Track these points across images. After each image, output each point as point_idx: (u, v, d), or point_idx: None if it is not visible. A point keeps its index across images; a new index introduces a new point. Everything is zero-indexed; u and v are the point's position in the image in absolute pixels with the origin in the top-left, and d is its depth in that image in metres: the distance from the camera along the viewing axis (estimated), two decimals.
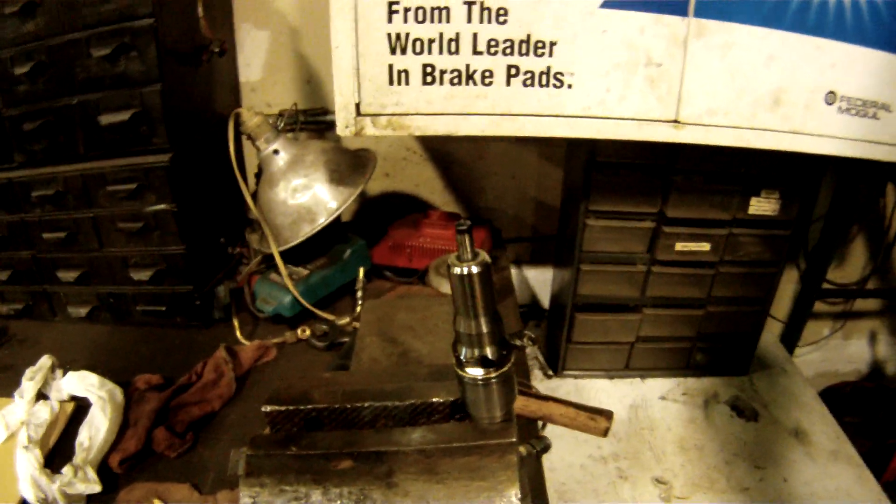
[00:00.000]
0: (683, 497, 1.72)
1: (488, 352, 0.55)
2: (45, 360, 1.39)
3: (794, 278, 2.37)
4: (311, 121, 1.90)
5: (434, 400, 0.70)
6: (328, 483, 0.43)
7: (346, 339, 1.47)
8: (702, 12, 1.22)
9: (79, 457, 1.19)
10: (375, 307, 1.18)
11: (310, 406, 0.74)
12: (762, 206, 1.80)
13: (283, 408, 0.74)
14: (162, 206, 1.47)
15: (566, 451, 1.83)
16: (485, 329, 0.55)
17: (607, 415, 1.24)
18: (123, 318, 1.66)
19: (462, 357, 0.58)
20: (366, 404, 0.73)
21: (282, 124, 1.61)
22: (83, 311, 1.66)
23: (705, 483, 1.75)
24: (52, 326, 1.71)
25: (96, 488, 1.14)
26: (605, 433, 1.24)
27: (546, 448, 0.72)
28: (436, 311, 1.08)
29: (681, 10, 1.21)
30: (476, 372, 0.57)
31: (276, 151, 1.52)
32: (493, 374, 0.56)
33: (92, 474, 1.16)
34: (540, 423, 1.30)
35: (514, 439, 0.49)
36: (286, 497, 0.44)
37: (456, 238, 0.53)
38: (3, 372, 1.52)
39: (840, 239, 2.24)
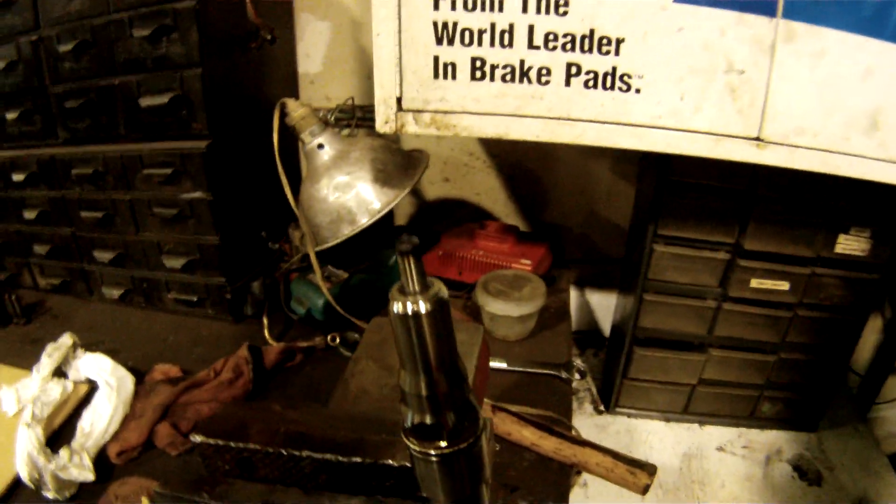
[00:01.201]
0: None
1: (441, 419, 0.43)
2: (66, 339, 1.37)
3: (877, 327, 2.11)
4: (368, 117, 1.82)
5: (387, 462, 0.58)
6: None
7: None
8: (792, 13, 1.05)
9: (77, 441, 1.16)
10: (383, 325, 1.06)
11: (241, 444, 0.64)
12: (850, 244, 1.60)
13: (212, 441, 0.64)
14: (197, 194, 1.43)
15: (605, 498, 1.68)
16: (436, 389, 0.42)
17: (650, 469, 1.10)
18: (155, 304, 1.64)
19: (407, 422, 0.46)
20: (304, 453, 0.61)
21: (332, 118, 1.53)
22: (116, 293, 1.64)
23: None
24: (87, 305, 1.71)
25: (89, 476, 1.11)
26: (644, 491, 1.10)
27: None
28: (463, 342, 0.95)
29: (768, 10, 1.05)
30: (422, 444, 0.45)
31: (320, 146, 1.44)
32: (445, 450, 0.43)
33: (87, 461, 1.12)
34: (574, 470, 1.18)
35: None
36: None
37: (398, 263, 0.41)
38: (32, 344, 1.52)
39: None
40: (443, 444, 0.43)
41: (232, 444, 0.66)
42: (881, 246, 1.60)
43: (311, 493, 0.61)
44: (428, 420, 0.44)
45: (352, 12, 1.81)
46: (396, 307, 0.41)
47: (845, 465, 1.84)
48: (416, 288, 0.41)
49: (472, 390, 0.48)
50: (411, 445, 0.47)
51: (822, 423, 1.96)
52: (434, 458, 0.45)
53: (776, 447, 1.89)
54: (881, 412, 2.22)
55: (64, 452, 1.11)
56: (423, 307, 0.41)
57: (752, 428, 1.93)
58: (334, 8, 1.81)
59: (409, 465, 0.56)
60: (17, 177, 1.58)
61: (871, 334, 2.13)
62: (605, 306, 2.23)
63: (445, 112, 1.19)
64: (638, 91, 1.13)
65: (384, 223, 1.44)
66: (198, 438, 0.66)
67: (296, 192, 1.45)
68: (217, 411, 0.72)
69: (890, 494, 1.76)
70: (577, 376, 1.34)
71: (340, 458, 0.60)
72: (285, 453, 0.63)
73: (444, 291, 0.42)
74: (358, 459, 0.60)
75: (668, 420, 1.95)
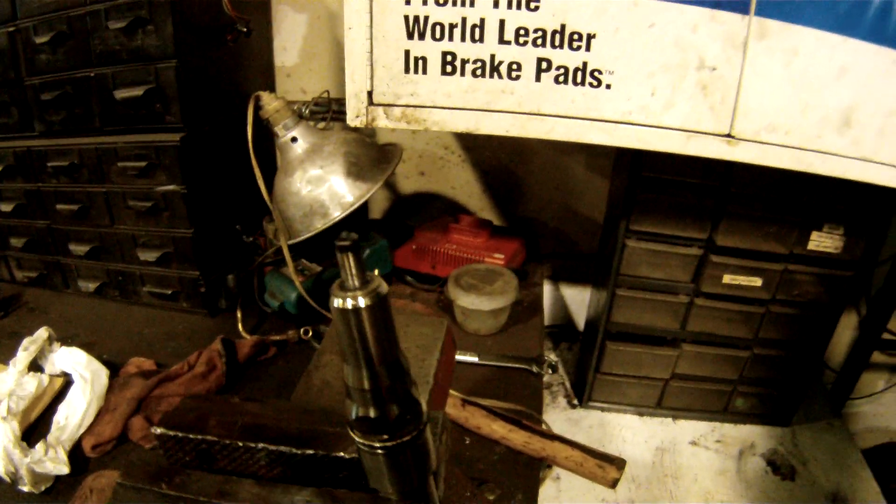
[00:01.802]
0: None
1: (383, 413, 0.43)
2: (42, 332, 1.37)
3: (852, 324, 2.13)
4: (343, 110, 1.82)
5: (339, 454, 0.59)
6: None
7: None
8: (765, 11, 1.05)
9: (53, 435, 1.16)
10: None
11: (199, 436, 0.64)
12: (824, 241, 1.61)
13: (171, 433, 0.65)
14: (172, 187, 1.43)
15: (576, 492, 1.68)
16: (378, 383, 0.43)
17: (618, 464, 1.11)
18: (130, 297, 1.63)
19: (352, 416, 0.46)
20: (259, 445, 0.62)
21: (307, 111, 1.53)
22: (92, 287, 1.64)
23: None
24: (63, 298, 1.70)
25: (64, 470, 1.11)
26: (613, 484, 1.12)
27: None
28: (426, 335, 0.94)
29: (741, 7, 1.05)
30: (366, 437, 0.45)
31: (294, 139, 1.44)
32: (389, 443, 0.44)
33: (63, 455, 1.12)
34: (545, 464, 1.19)
35: None
36: None
37: (338, 259, 0.42)
38: (9, 339, 1.51)
39: None
40: (386, 436, 0.44)
41: (191, 435, 0.66)
42: (855, 243, 1.61)
43: (264, 485, 0.62)
44: (371, 413, 0.45)
45: (329, 5, 1.80)
46: (337, 302, 0.41)
47: (819, 459, 1.85)
48: (356, 283, 0.42)
49: (416, 383, 0.49)
50: (356, 438, 0.47)
51: (795, 419, 1.96)
52: (379, 451, 0.46)
53: (749, 442, 1.89)
54: (855, 408, 2.25)
55: (40, 446, 1.11)
56: (362, 302, 0.41)
57: (726, 423, 1.94)
58: (311, 0, 1.80)
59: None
60: None
61: (846, 330, 2.15)
62: (579, 300, 2.24)
63: (416, 106, 1.19)
64: (609, 87, 1.14)
65: (358, 217, 1.44)
66: (158, 430, 0.67)
67: (270, 185, 1.45)
68: (179, 404, 0.72)
69: (863, 489, 1.78)
70: (548, 370, 1.35)
71: (294, 450, 0.61)
72: (241, 445, 0.63)
73: (384, 287, 0.43)
74: (311, 451, 0.60)
75: (641, 414, 1.96)
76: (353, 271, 0.42)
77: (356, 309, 0.42)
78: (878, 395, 2.25)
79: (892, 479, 1.87)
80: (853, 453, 1.90)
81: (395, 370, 0.45)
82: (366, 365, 0.43)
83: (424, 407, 0.50)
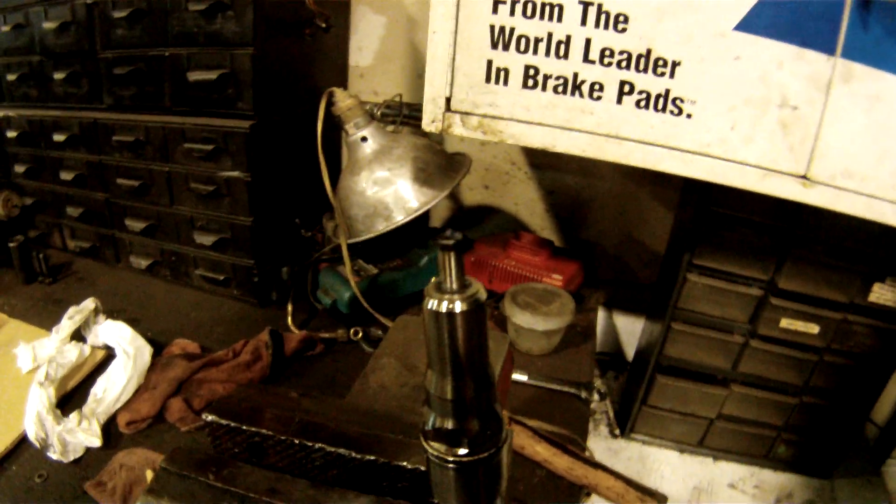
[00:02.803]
0: None
1: (464, 425, 0.41)
2: (89, 303, 1.38)
3: None
4: (414, 115, 1.82)
5: (401, 464, 0.56)
6: None
7: None
8: (852, 53, 1.01)
9: (88, 407, 1.17)
10: (408, 324, 1.04)
11: (254, 429, 0.62)
12: (885, 294, 1.55)
13: (224, 421, 0.63)
14: (236, 174, 1.43)
15: None
16: (463, 394, 0.41)
17: (660, 498, 1.08)
18: (181, 278, 1.64)
19: (428, 425, 0.44)
20: (316, 445, 0.60)
21: (378, 112, 1.52)
22: (144, 263, 1.65)
23: None
24: (114, 272, 1.72)
25: (96, 442, 1.11)
26: None
27: None
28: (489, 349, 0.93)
29: (828, 48, 1.01)
30: (441, 449, 0.43)
31: (364, 139, 1.43)
32: (465, 458, 0.41)
33: (96, 427, 1.13)
34: (584, 492, 1.16)
35: None
36: None
37: (438, 258, 0.39)
38: (54, 305, 1.53)
39: None
40: (463, 451, 0.42)
41: (244, 427, 0.64)
42: None
43: (319, 487, 0.60)
44: (450, 425, 0.42)
45: (408, 9, 1.80)
46: (432, 304, 0.39)
47: None
48: (455, 286, 0.40)
49: (499, 399, 0.46)
50: (430, 449, 0.45)
51: (835, 472, 1.90)
52: (452, 466, 0.44)
53: (787, 490, 1.84)
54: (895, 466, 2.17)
55: (74, 416, 1.12)
56: (458, 307, 0.39)
57: (766, 468, 1.88)
58: (391, 3, 1.80)
59: (423, 469, 0.54)
60: (58, 137, 1.60)
61: (894, 386, 2.08)
62: (630, 331, 2.19)
63: (494, 117, 1.17)
64: (689, 116, 1.10)
65: (419, 223, 1.43)
66: (209, 417, 0.65)
67: (334, 182, 1.45)
68: (232, 392, 0.70)
69: None
70: (596, 397, 1.32)
71: (354, 454, 0.59)
72: (297, 443, 0.61)
73: (483, 293, 0.41)
74: (371, 458, 0.58)
75: (682, 451, 1.91)
76: (454, 273, 0.40)
77: (451, 313, 0.40)
78: None
79: None
80: None
81: (483, 382, 0.42)
82: (452, 373, 0.41)
83: (506, 425, 0.48)
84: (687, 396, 1.79)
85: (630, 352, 2.21)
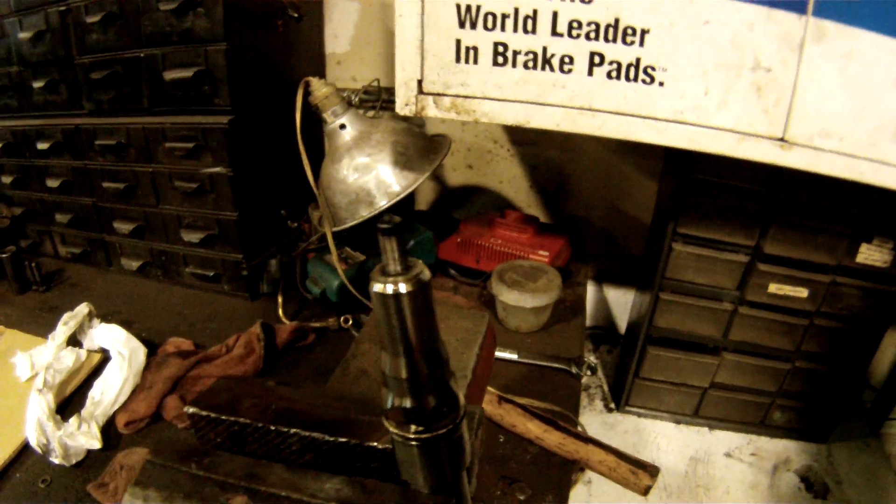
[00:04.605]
0: None
1: (420, 404, 0.42)
2: (83, 308, 1.39)
3: (895, 341, 2.07)
4: (393, 99, 1.83)
5: (371, 444, 0.57)
6: None
7: None
8: (823, 12, 1.01)
9: (87, 410, 1.18)
10: None
11: (232, 418, 0.64)
12: (873, 254, 1.55)
13: (204, 413, 0.65)
14: (218, 169, 1.44)
15: (607, 497, 1.66)
16: (416, 372, 0.42)
17: (651, 471, 1.09)
18: (172, 277, 1.65)
19: (387, 405, 0.45)
20: (291, 431, 0.61)
21: (356, 99, 1.53)
22: (135, 265, 1.66)
23: None
24: (106, 275, 1.73)
25: (96, 444, 1.12)
26: (645, 492, 1.09)
27: None
28: (466, 329, 0.93)
29: (798, 7, 1.01)
30: (401, 427, 0.44)
31: (342, 126, 1.43)
32: (424, 435, 0.42)
33: (95, 430, 1.14)
34: (577, 467, 1.17)
35: None
36: None
37: (380, 242, 0.40)
38: (49, 312, 1.54)
39: None
40: (421, 428, 0.43)
41: (223, 417, 0.66)
42: None
43: (295, 470, 0.61)
44: (408, 403, 0.43)
45: None
46: (377, 287, 0.40)
47: (853, 479, 1.81)
48: (398, 268, 0.41)
49: (454, 375, 0.47)
50: (391, 428, 0.46)
51: (832, 436, 1.92)
52: (413, 443, 0.45)
53: (784, 456, 1.86)
54: (894, 428, 2.18)
55: (73, 420, 1.13)
56: (403, 288, 0.40)
57: (762, 435, 1.90)
58: None
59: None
60: (42, 145, 1.61)
61: (889, 348, 2.08)
62: (621, 303, 2.20)
63: (466, 97, 1.17)
64: (661, 84, 1.11)
65: (404, 207, 1.42)
66: (190, 409, 0.67)
67: (316, 171, 1.45)
68: (212, 385, 0.72)
69: None
70: (587, 372, 1.33)
71: (327, 437, 0.60)
72: (274, 429, 0.63)
73: (427, 273, 0.41)
74: (343, 439, 0.59)
75: (677, 422, 1.93)
76: (395, 256, 0.41)
77: (397, 294, 0.41)
78: None
79: None
80: (888, 474, 1.85)
81: (434, 360, 0.43)
82: (404, 353, 0.42)
83: (462, 400, 0.48)
84: (679, 367, 1.81)
85: (623, 325, 2.23)
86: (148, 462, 0.60)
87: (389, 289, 0.39)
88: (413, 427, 0.43)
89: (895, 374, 2.04)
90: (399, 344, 0.41)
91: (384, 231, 0.38)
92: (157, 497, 0.39)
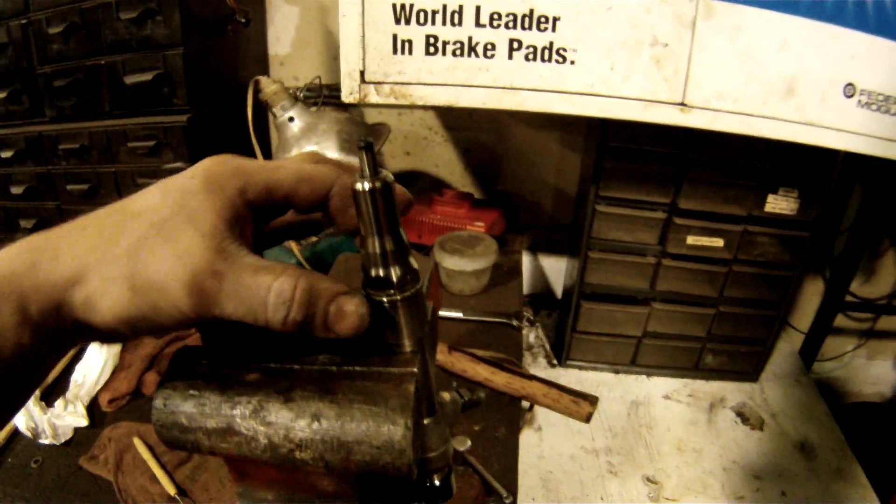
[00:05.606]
0: (673, 499, 1.67)
1: (390, 272, 0.56)
2: None
3: (819, 289, 2.29)
4: (334, 94, 1.94)
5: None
6: (231, 391, 0.43)
7: None
8: None
9: (71, 392, 1.24)
10: (349, 259, 1.19)
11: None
12: (779, 204, 1.74)
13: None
14: (179, 165, 1.53)
15: (557, 440, 1.80)
16: (387, 247, 0.55)
17: (591, 399, 1.24)
18: None
19: (366, 277, 0.58)
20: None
21: (301, 95, 1.65)
22: None
23: (698, 487, 1.70)
24: None
25: (83, 422, 1.19)
26: (587, 419, 1.23)
27: (476, 402, 0.71)
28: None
29: None
30: (378, 293, 0.58)
31: (291, 119, 1.56)
32: (396, 296, 0.56)
33: (81, 409, 1.21)
34: (526, 404, 1.31)
35: (415, 370, 0.48)
36: (193, 401, 0.45)
37: (358, 156, 0.54)
38: None
39: (868, 250, 2.15)
40: (393, 291, 0.56)
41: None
42: (809, 205, 1.74)
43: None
44: (381, 273, 0.57)
45: None
46: (358, 186, 0.54)
47: (787, 412, 1.97)
48: (371, 173, 0.55)
49: (412, 253, 0.60)
50: (371, 294, 0.59)
51: (764, 376, 2.09)
52: (387, 304, 0.58)
53: (720, 396, 2.02)
54: (825, 373, 2.40)
55: (59, 403, 1.20)
56: (377, 185, 0.54)
57: (697, 379, 2.06)
58: None
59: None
60: (5, 154, 1.66)
61: (814, 296, 2.30)
62: (557, 270, 2.36)
63: (403, 83, 1.31)
64: (573, 63, 1.27)
65: None
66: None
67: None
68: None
69: (830, 439, 1.89)
70: (527, 324, 1.48)
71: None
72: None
73: (391, 177, 0.55)
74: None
75: (616, 372, 2.08)
76: (369, 165, 0.54)
77: (372, 189, 0.54)
78: (846, 359, 2.40)
79: (860, 435, 1.97)
80: (820, 407, 2.01)
81: (398, 240, 0.57)
82: (376, 232, 0.55)
83: (420, 275, 0.61)
84: (613, 319, 1.96)
85: (559, 290, 2.38)
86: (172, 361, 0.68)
87: (366, 186, 0.52)
88: (386, 291, 0.56)
89: (819, 319, 2.26)
90: (373, 226, 0.54)
91: (361, 146, 0.52)
92: (181, 386, 0.47)
